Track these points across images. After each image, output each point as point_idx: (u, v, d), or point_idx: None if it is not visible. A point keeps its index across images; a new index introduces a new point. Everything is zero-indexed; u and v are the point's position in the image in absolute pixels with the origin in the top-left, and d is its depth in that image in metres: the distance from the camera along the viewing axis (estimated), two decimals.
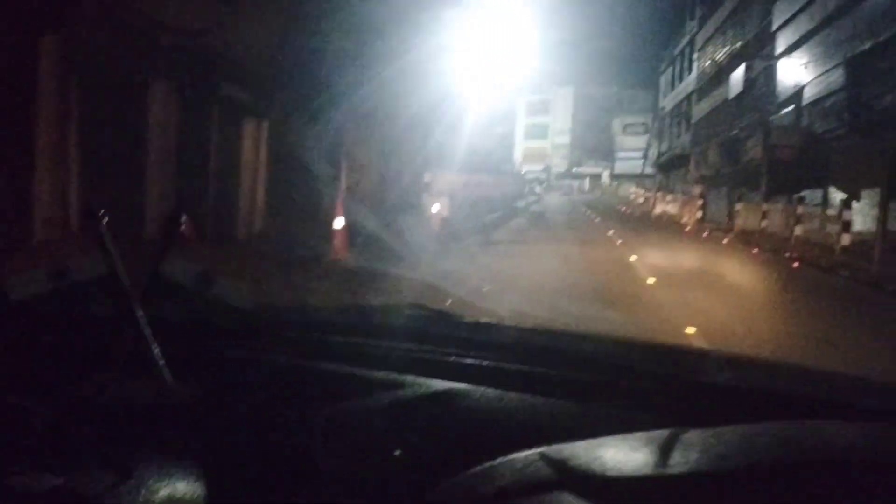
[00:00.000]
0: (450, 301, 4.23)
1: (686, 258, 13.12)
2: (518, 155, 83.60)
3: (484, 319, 1.55)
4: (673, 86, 42.30)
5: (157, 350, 1.01)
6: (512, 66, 42.35)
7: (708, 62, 31.75)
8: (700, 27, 34.07)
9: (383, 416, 1.00)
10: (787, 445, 0.76)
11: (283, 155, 12.34)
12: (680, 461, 0.70)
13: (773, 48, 21.03)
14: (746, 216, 21.72)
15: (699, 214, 26.68)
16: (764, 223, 19.49)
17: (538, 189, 58.50)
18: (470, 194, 21.97)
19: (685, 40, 38.67)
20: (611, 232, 17.01)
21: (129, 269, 1.02)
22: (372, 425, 0.98)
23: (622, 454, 0.75)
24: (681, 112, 39.00)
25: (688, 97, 37.15)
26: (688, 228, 23.95)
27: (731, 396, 1.11)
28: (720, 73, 28.92)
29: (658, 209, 33.01)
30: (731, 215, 25.82)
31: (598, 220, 23.72)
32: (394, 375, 1.13)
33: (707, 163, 29.97)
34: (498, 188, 30.92)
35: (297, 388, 1.11)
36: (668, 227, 24.12)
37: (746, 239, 18.83)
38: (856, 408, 1.07)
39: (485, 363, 1.20)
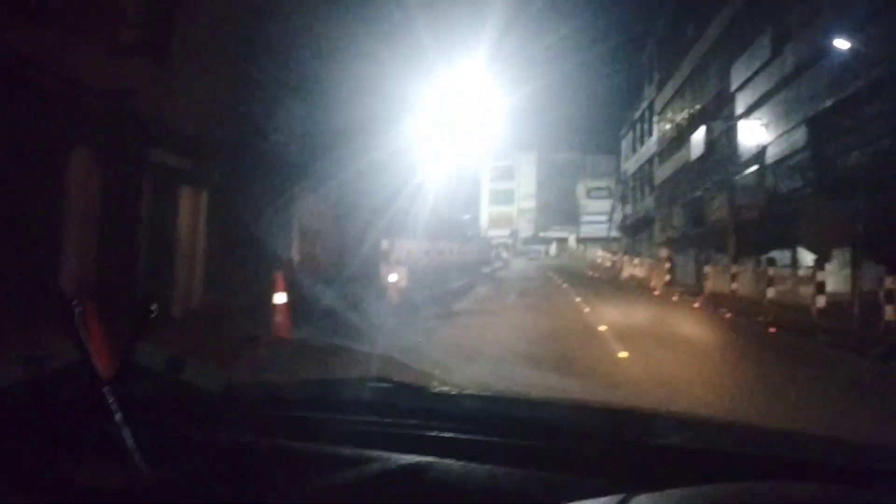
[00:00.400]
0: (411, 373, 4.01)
1: (657, 325, 12.39)
2: (484, 220, 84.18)
3: (445, 389, 1.65)
4: (634, 149, 42.65)
5: (128, 434, 1.00)
6: (476, 132, 42.35)
7: (668, 125, 31.99)
8: (658, 91, 34.48)
9: (352, 493, 1.03)
10: None
11: (226, 226, 11.49)
12: None
13: (732, 109, 21.04)
14: (716, 279, 21.25)
15: (667, 277, 26.24)
16: (734, 285, 18.99)
17: (504, 254, 58.21)
18: (431, 262, 21.26)
19: (644, 105, 39.15)
20: (578, 299, 16.31)
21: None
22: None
23: None
24: (643, 175, 39.17)
25: (649, 160, 37.36)
26: (657, 292, 23.41)
27: (684, 458, 1.14)
28: (681, 136, 29.05)
29: (626, 273, 32.61)
30: (699, 278, 25.43)
31: (565, 285, 23.11)
32: (360, 451, 1.16)
33: (672, 225, 29.79)
34: (461, 255, 30.32)
35: (267, 468, 1.12)
36: (637, 292, 23.57)
37: (717, 302, 18.28)
38: (812, 465, 1.11)
39: (448, 435, 1.23)
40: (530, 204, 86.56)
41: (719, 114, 23.43)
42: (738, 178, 20.25)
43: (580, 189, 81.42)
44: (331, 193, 17.27)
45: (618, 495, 0.82)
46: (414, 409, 1.37)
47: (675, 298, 20.70)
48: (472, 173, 60.79)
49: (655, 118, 36.00)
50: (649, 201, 37.20)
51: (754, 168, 20.35)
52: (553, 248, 78.45)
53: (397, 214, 24.25)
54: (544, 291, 19.13)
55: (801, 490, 0.86)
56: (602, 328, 10.83)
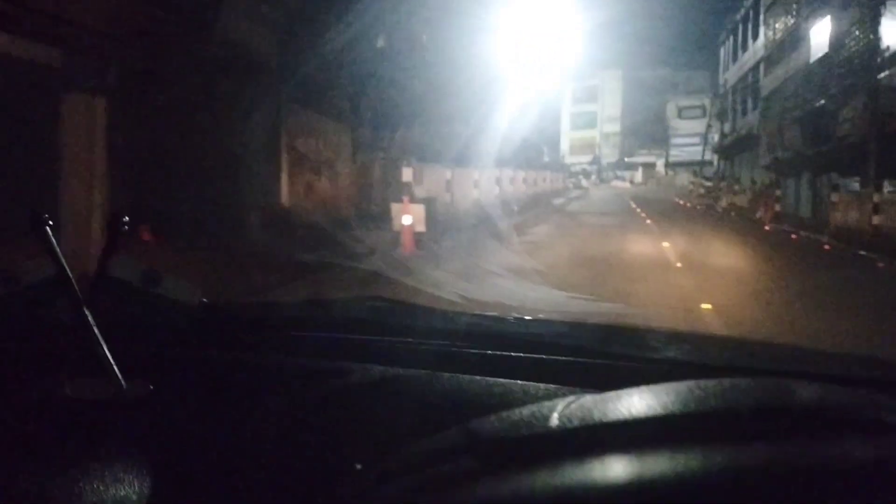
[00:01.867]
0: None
1: (795, 286, 8.19)
2: (565, 146, 79.17)
3: (441, 308, 1.63)
4: (735, 58, 36.71)
5: (106, 350, 1.00)
6: (553, 49, 38.23)
7: (779, 22, 26.40)
8: None
9: (335, 406, 1.03)
10: (733, 398, 0.72)
11: (146, 152, 8.05)
12: (579, 418, 0.70)
13: None
14: (847, 210, 16.60)
15: (777, 208, 21.55)
16: (877, 219, 14.42)
17: (584, 182, 53.38)
18: (484, 195, 17.43)
19: (748, 2, 33.16)
20: (666, 243, 12.08)
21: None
22: (323, 416, 1.01)
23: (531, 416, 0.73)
24: (746, 87, 33.45)
25: (754, 68, 31.67)
26: (767, 227, 18.85)
27: (668, 369, 1.14)
28: (796, 33, 23.63)
29: (724, 202, 27.82)
30: (819, 209, 20.66)
31: (649, 221, 18.87)
32: (348, 364, 1.15)
33: (783, 144, 24.67)
34: (530, 184, 26.24)
35: (248, 383, 1.13)
36: (741, 227, 19.08)
37: (851, 240, 13.81)
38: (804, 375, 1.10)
39: (435, 348, 1.24)
40: (615, 127, 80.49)
41: None
42: (882, 77, 15.29)
43: (670, 108, 74.73)
44: (345, 112, 13.60)
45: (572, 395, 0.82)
46: (408, 326, 1.36)
47: (794, 237, 16.21)
48: (550, 94, 56.10)
49: (762, 16, 30.22)
50: (753, 117, 31.75)
51: None
52: (639, 175, 72.54)
53: (450, 139, 20.55)
54: (624, 229, 15.03)
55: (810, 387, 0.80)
56: (706, 307, 6.68)
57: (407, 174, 11.93)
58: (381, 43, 18.81)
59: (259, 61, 9.88)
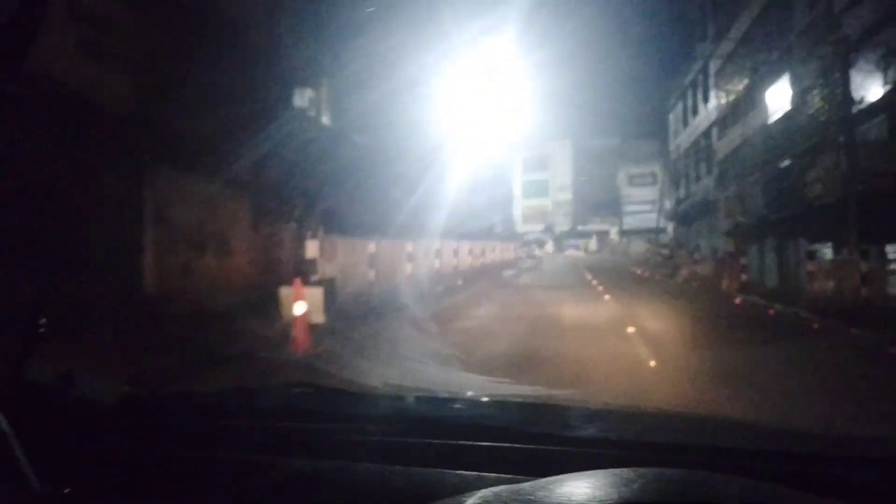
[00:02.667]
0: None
1: (813, 382, 6.04)
2: (517, 214, 78.16)
3: (362, 390, 1.68)
4: (685, 123, 35.87)
5: (20, 453, 0.98)
6: (503, 119, 37.17)
7: (730, 85, 25.38)
8: (716, 45, 27.84)
9: (257, 500, 1.03)
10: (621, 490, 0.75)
11: None
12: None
13: (840, 35, 14.58)
14: (828, 279, 14.79)
15: (744, 278, 19.76)
16: (866, 291, 12.57)
17: (538, 252, 51.80)
18: (419, 269, 15.17)
19: (697, 66, 32.43)
20: (631, 329, 9.87)
21: None
22: None
23: None
24: (699, 151, 32.42)
25: (706, 133, 30.65)
26: (737, 301, 16.94)
27: (591, 448, 1.15)
28: (750, 95, 22.48)
29: (684, 271, 26.09)
30: (788, 278, 18.94)
31: (607, 296, 16.87)
32: (276, 458, 1.15)
33: (743, 209, 23.17)
34: (478, 255, 24.17)
35: (173, 479, 1.11)
36: (711, 302, 17.15)
37: (840, 316, 11.86)
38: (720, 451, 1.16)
39: (363, 438, 1.24)
40: (566, 196, 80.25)
41: (812, 51, 16.90)
42: (856, 132, 13.72)
43: (621, 176, 74.74)
44: (242, 175, 11.32)
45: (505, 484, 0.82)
46: (333, 413, 1.36)
47: (771, 312, 14.25)
48: (500, 162, 55.11)
49: (712, 80, 29.36)
50: (708, 182, 30.52)
51: (881, 117, 13.85)
52: (593, 243, 71.58)
53: (380, 208, 18.47)
54: (577, 313, 12.85)
55: (689, 475, 0.84)
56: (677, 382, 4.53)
57: (312, 248, 9.64)
58: (298, 100, 16.76)
59: (99, 107, 7.57)
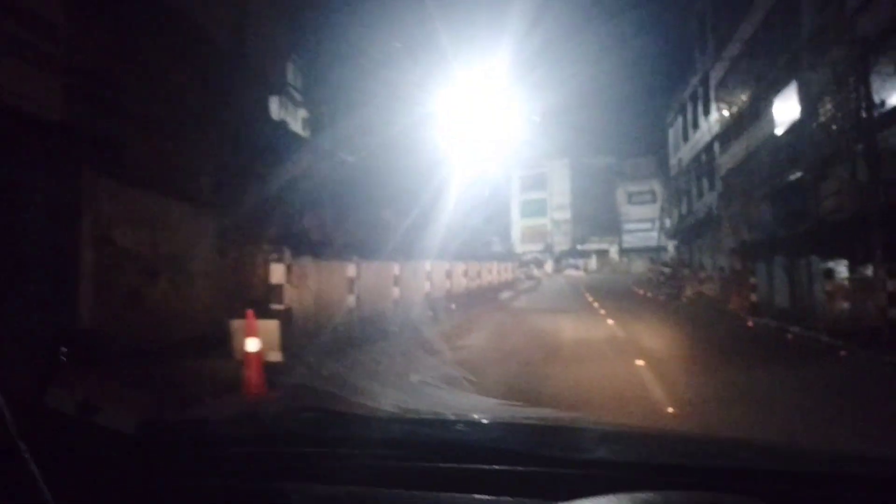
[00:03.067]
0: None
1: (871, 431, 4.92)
2: (516, 234, 77.25)
3: (371, 414, 1.74)
4: (685, 137, 34.94)
5: (41, 482, 0.99)
6: (500, 139, 36.51)
7: (733, 96, 24.45)
8: (716, 57, 26.96)
9: None
10: None
11: None
12: None
13: (853, 33, 13.59)
14: (844, 299, 13.70)
15: (753, 298, 18.66)
16: (894, 312, 11.48)
17: (536, 272, 50.58)
18: (402, 294, 14.07)
19: (696, 79, 31.55)
20: (640, 361, 8.61)
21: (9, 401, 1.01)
22: None
23: None
24: (700, 167, 31.44)
25: (707, 147, 29.69)
26: (750, 323, 15.83)
27: (603, 470, 1.19)
28: (755, 105, 21.53)
29: (688, 291, 24.98)
30: (800, 297, 17.85)
31: (611, 321, 15.71)
32: (288, 484, 1.18)
33: (750, 225, 22.13)
34: (473, 277, 23.07)
35: None
36: (721, 324, 16.04)
37: (868, 342, 10.77)
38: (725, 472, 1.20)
39: (374, 462, 1.26)
40: (565, 215, 79.28)
41: (822, 57, 15.94)
42: (878, 138, 12.68)
43: (620, 194, 73.87)
44: (206, 191, 10.28)
45: None
46: (343, 438, 1.38)
47: (789, 336, 13.14)
48: (498, 181, 54.18)
49: (713, 92, 28.47)
50: (710, 198, 29.51)
51: None
52: (593, 262, 70.45)
53: (369, 229, 17.56)
54: (577, 341, 11.68)
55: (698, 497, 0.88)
56: None
57: (277, 273, 8.54)
58: (274, 113, 15.79)
59: (27, 113, 6.52)
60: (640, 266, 65.85)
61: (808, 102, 17.24)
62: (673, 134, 38.90)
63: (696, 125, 32.58)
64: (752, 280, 18.98)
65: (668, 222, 63.05)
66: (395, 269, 13.97)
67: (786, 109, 18.59)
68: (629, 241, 72.13)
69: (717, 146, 28.47)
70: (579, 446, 1.32)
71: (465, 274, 21.47)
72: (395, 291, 13.81)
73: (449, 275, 18.65)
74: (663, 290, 29.39)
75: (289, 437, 1.40)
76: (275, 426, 1.55)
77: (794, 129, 18.02)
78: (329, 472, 1.21)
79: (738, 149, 23.75)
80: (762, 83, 21.00)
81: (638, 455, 1.31)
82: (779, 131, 19.09)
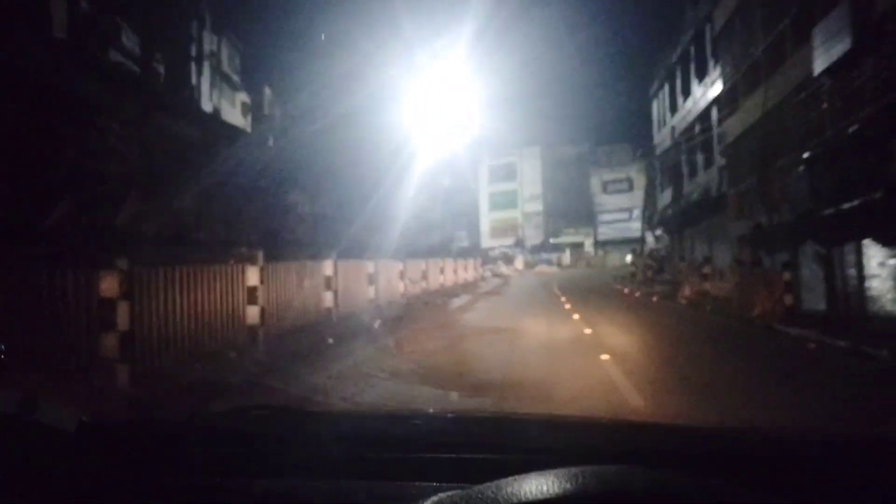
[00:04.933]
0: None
1: None
2: (485, 228, 72.27)
3: (322, 409, 1.91)
4: (673, 108, 29.88)
5: None
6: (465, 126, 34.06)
7: (741, 45, 19.39)
8: (716, 3, 21.88)
9: None
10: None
11: None
12: None
13: None
14: None
15: (789, 301, 13.59)
16: None
17: (504, 269, 45.22)
18: (304, 303, 8.71)
19: (687, 37, 26.46)
20: (634, 396, 3.59)
21: None
22: None
23: None
24: (694, 139, 26.31)
25: (703, 114, 24.65)
26: (811, 345, 10.58)
27: (553, 459, 1.09)
28: (778, 48, 16.47)
29: (686, 290, 19.84)
30: (847, 298, 12.90)
31: (588, 329, 10.70)
32: (235, 480, 1.16)
33: (768, 204, 17.06)
34: (417, 281, 17.73)
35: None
36: (760, 342, 10.92)
37: None
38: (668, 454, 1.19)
39: (322, 456, 1.25)
40: (537, 206, 74.34)
41: None
42: None
43: (594, 183, 69.08)
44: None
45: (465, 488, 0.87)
46: (292, 435, 1.37)
47: (873, 365, 7.92)
48: (464, 173, 49.33)
49: (709, 48, 23.43)
50: (708, 177, 24.49)
51: None
52: (567, 257, 65.54)
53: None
54: (546, 343, 6.54)
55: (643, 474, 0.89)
56: None
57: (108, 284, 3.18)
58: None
59: None
60: (616, 259, 61.20)
61: (867, 27, 12.16)
62: (657, 107, 33.83)
63: (687, 92, 27.50)
64: (786, 276, 13.87)
65: (654, 207, 58.25)
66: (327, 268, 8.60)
67: (830, 40, 13.49)
68: (605, 232, 67.57)
69: (715, 113, 23.45)
70: (527, 435, 1.35)
71: (406, 276, 16.11)
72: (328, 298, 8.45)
73: (372, 279, 13.26)
74: (651, 288, 24.30)
75: (235, 435, 1.34)
76: (221, 425, 1.46)
77: (845, 63, 12.90)
78: (274, 466, 1.17)
79: (750, 108, 18.65)
80: (790, 14, 15.88)
81: (587, 441, 1.31)
82: (819, 70, 13.92)
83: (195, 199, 12.21)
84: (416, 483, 1.09)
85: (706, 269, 18.87)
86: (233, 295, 7.99)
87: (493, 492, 0.79)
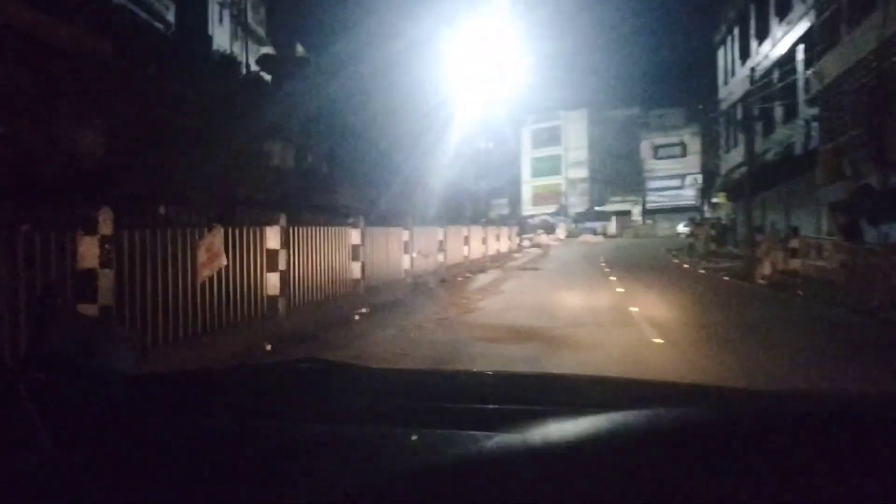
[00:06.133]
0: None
1: None
2: (527, 195, 68.56)
3: (373, 365, 2.25)
4: (745, 55, 25.63)
5: (38, 421, 1.00)
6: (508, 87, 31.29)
7: None
8: None
9: (267, 466, 1.02)
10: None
11: None
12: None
13: None
14: None
15: None
16: None
17: (545, 238, 41.39)
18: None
19: None
20: None
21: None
22: (255, 476, 0.99)
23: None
24: (770, 88, 22.15)
25: (785, 57, 20.53)
26: None
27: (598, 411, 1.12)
28: None
29: (767, 268, 16.03)
30: None
31: (637, 308, 7.41)
32: (282, 423, 1.16)
33: (887, 157, 13.16)
34: (431, 252, 14.39)
35: (182, 447, 1.11)
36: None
37: None
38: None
39: (370, 405, 1.24)
40: (581, 173, 69.66)
41: None
42: None
43: (644, 147, 64.54)
44: None
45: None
46: (342, 386, 1.38)
47: None
48: (506, 136, 45.61)
49: None
50: (790, 130, 20.42)
51: None
52: (613, 226, 61.40)
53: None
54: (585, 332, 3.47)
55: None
56: None
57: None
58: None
59: None
60: (666, 229, 57.02)
61: None
62: (724, 57, 29.50)
63: (763, 34, 23.26)
64: None
65: (698, 179, 53.88)
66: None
67: None
68: (654, 200, 63.20)
69: (801, 54, 19.34)
70: (575, 391, 1.38)
71: (409, 247, 12.69)
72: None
73: (356, 252, 9.87)
74: (721, 263, 20.50)
75: (286, 385, 1.38)
76: (271, 376, 1.52)
77: None
78: (322, 414, 1.17)
79: (858, 39, 14.62)
80: None
81: (631, 397, 1.32)
82: None
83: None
84: (470, 432, 1.04)
85: (794, 243, 15.03)
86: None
87: (539, 436, 0.85)
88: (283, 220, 7.35)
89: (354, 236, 9.85)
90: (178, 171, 9.16)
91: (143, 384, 1.36)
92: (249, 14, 31.59)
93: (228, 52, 27.32)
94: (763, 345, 7.50)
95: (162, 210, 8.04)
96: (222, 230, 6.29)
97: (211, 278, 6.21)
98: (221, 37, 28.59)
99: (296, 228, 7.69)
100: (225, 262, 6.34)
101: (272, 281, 7.24)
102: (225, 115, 11.14)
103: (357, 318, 8.69)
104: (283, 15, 35.42)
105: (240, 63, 20.51)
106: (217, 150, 10.04)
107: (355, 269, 9.89)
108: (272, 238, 7.24)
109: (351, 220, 9.96)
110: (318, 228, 8.44)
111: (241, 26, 30.68)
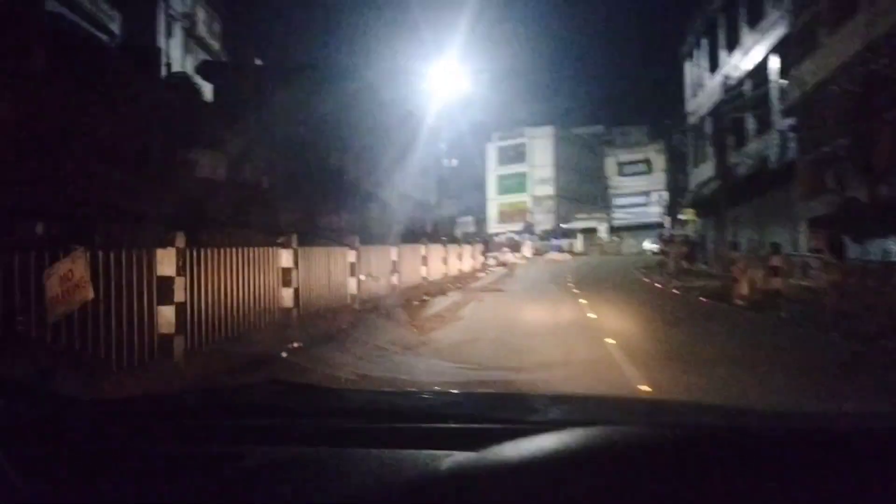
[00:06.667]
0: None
1: None
2: (492, 212, 67.79)
3: (335, 386, 1.86)
4: (714, 66, 24.85)
5: (1, 452, 0.96)
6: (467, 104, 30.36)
7: None
8: None
9: (235, 488, 1.00)
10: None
11: None
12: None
13: None
14: None
15: None
16: None
17: (510, 256, 40.04)
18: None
19: None
20: None
21: None
22: (225, 498, 0.98)
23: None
24: (741, 100, 21.29)
25: (757, 68, 19.68)
26: None
27: (555, 429, 1.14)
28: None
29: (744, 287, 14.90)
30: None
31: (614, 341, 6.31)
32: (247, 448, 1.13)
33: (875, 167, 12.16)
34: (377, 274, 12.98)
35: (142, 472, 1.08)
36: None
37: None
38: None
39: (335, 427, 1.25)
40: (547, 190, 69.05)
41: None
42: None
43: (609, 164, 64.28)
44: None
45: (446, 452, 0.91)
46: (306, 407, 1.37)
47: None
48: (470, 154, 44.86)
49: None
50: (764, 142, 19.52)
51: None
52: (579, 243, 60.73)
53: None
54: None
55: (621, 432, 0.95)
56: None
57: None
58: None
59: None
60: (632, 245, 56.50)
61: None
62: (691, 70, 28.77)
63: (734, 43, 22.47)
64: None
65: (664, 195, 53.29)
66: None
67: None
68: (620, 217, 62.92)
69: (776, 63, 18.49)
70: (532, 408, 1.35)
71: (356, 269, 11.25)
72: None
73: (288, 276, 8.42)
74: (694, 282, 19.43)
75: (251, 407, 1.35)
76: (237, 398, 1.47)
77: None
78: (285, 437, 1.16)
79: (840, 43, 13.70)
80: None
81: (589, 415, 1.30)
82: None
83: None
84: (430, 451, 1.06)
85: (775, 261, 13.94)
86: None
87: (495, 455, 0.84)
88: (179, 240, 5.92)
89: (285, 258, 8.43)
90: (70, 183, 7.68)
91: (101, 409, 1.33)
92: (203, 28, 30.18)
93: (181, 66, 25.92)
94: (771, 388, 6.23)
95: (39, 228, 6.55)
96: (86, 255, 4.84)
97: (73, 314, 4.78)
98: (174, 50, 27.21)
99: (198, 250, 6.25)
100: (91, 296, 4.89)
101: (165, 316, 5.81)
102: (141, 119, 9.70)
103: (284, 354, 7.30)
104: (239, 28, 34.10)
105: (167, 64, 19.18)
106: (124, 157, 8.59)
107: (286, 297, 8.47)
108: (166, 263, 5.81)
109: (281, 240, 8.55)
110: (232, 250, 7.00)
111: (193, 39, 29.24)
